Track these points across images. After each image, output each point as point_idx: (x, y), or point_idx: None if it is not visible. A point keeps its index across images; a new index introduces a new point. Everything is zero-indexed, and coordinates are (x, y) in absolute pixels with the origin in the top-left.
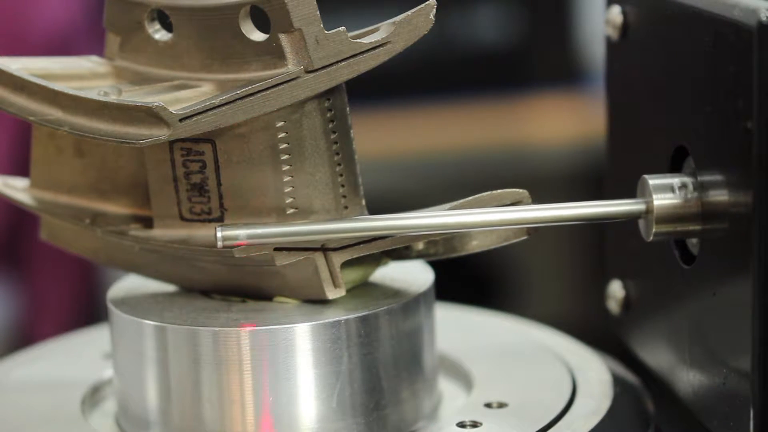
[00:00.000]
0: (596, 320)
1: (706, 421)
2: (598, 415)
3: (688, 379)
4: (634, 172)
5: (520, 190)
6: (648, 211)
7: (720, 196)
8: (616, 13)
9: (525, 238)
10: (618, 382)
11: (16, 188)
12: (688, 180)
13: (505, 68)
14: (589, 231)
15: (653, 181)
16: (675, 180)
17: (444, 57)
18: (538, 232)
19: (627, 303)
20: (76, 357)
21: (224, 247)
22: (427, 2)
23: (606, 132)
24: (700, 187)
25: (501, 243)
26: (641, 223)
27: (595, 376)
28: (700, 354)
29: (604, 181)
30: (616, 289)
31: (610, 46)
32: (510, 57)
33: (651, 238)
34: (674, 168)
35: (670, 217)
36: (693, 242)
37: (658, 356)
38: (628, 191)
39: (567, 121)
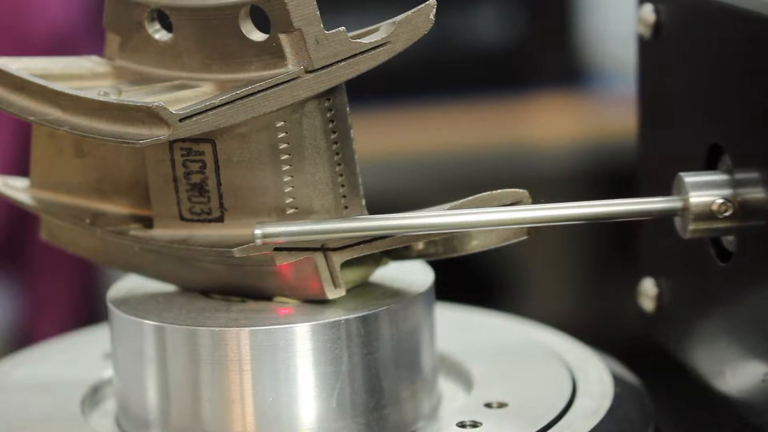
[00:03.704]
0: (596, 320)
1: (747, 417)
2: (598, 415)
3: (727, 376)
4: (667, 170)
5: (520, 190)
6: (685, 209)
7: (757, 193)
8: (648, 11)
9: (525, 238)
10: (618, 382)
11: (16, 188)
12: (724, 177)
13: (505, 68)
14: (589, 231)
15: (689, 178)
16: (711, 177)
17: (444, 57)
18: (538, 233)
19: (660, 301)
20: (76, 357)
21: (264, 244)
22: (427, 2)
23: (637, 130)
24: (737, 185)
25: (501, 243)
26: (677, 220)
27: (595, 376)
28: (738, 351)
29: (637, 179)
30: (648, 287)
31: (643, 44)
32: (510, 57)
33: (688, 235)
34: (709, 166)
35: (707, 214)
36: (729, 239)
37: (694, 354)
38: (661, 189)
39: (567, 121)
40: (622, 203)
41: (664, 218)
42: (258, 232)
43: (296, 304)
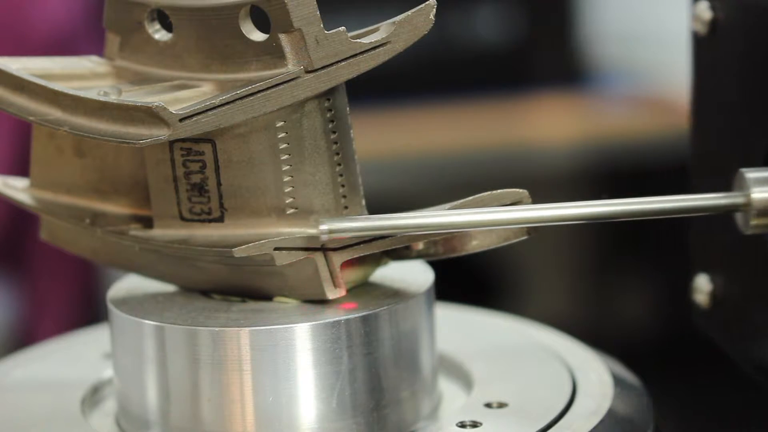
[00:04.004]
0: (596, 320)
1: None
2: (598, 415)
3: None
4: (723, 166)
5: (520, 190)
6: (747, 204)
7: None
8: (703, 8)
9: (525, 238)
10: (618, 382)
11: (16, 188)
12: None
13: (505, 68)
14: (588, 231)
15: (751, 174)
16: None
17: (444, 57)
18: (538, 233)
19: (714, 296)
20: (76, 357)
21: (330, 239)
22: (427, 2)
23: (690, 127)
24: None
25: (501, 243)
26: (739, 216)
27: (595, 376)
28: None
29: (690, 176)
30: (703, 283)
31: (698, 41)
32: (510, 57)
33: (750, 231)
34: None
35: None
36: None
37: (748, 351)
38: (716, 186)
39: (567, 121)
40: (681, 199)
41: (724, 214)
42: (324, 227)
43: (296, 304)
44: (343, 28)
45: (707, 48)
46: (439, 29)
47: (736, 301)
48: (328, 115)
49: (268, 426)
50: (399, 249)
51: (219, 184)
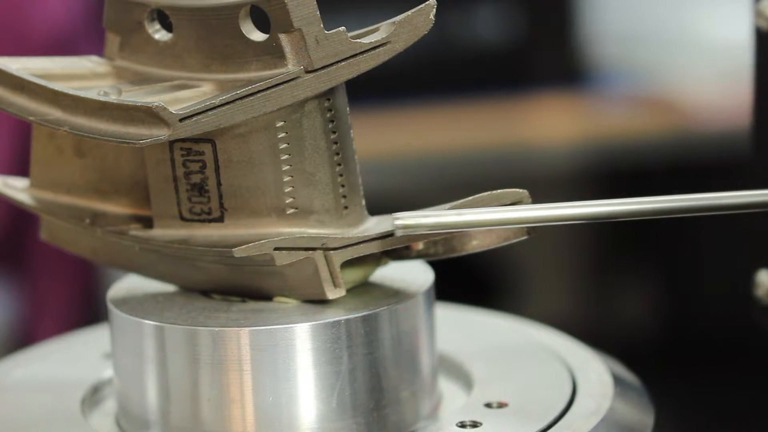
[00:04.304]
0: (596, 320)
1: None
2: (598, 415)
3: None
4: None
5: (520, 190)
6: None
7: None
8: (767, 4)
9: (525, 238)
10: (618, 382)
11: (16, 188)
12: None
13: (505, 68)
14: (588, 231)
15: None
16: None
17: (444, 57)
18: (537, 233)
19: None
20: (76, 357)
21: (404, 235)
22: (427, 2)
23: (752, 122)
24: None
25: (501, 243)
26: None
27: (595, 376)
28: None
29: (750, 171)
30: (765, 279)
31: (761, 37)
32: (510, 57)
33: None
34: None
35: None
36: None
37: None
38: None
39: (567, 121)
40: (747, 195)
41: None
42: (398, 223)
43: (296, 304)
44: (343, 28)
45: None
46: (439, 29)
47: None
48: (328, 115)
49: (268, 426)
50: (399, 249)
51: (219, 184)
